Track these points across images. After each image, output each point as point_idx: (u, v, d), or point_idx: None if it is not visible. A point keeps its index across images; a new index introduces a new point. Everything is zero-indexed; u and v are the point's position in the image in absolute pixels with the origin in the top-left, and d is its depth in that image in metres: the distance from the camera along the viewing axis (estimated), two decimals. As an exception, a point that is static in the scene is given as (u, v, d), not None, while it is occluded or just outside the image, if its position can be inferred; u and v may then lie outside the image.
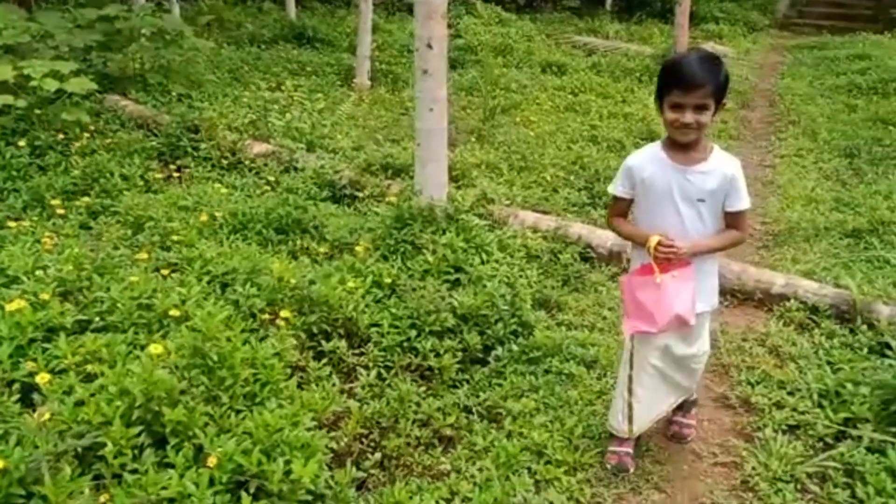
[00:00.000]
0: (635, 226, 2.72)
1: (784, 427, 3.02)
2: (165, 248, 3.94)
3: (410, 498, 2.62)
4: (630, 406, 2.79)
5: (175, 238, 4.04)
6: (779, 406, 3.15)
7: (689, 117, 2.36)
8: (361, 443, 2.97)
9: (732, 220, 2.57)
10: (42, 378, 2.51)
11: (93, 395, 2.54)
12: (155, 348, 2.62)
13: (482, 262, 4.14)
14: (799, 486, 2.70)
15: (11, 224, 4.11)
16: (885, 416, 2.92)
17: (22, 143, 5.21)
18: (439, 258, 4.03)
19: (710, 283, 2.68)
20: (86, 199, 4.73)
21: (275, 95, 7.28)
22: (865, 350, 3.58)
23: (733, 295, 4.32)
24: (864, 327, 3.79)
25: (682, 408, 3.05)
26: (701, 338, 2.77)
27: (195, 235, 4.13)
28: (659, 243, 2.47)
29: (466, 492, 2.67)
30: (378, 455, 2.88)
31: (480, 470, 2.79)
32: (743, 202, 2.52)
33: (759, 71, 12.35)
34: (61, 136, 5.44)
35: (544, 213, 5.19)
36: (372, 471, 2.81)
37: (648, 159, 2.56)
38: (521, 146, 6.67)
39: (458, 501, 2.63)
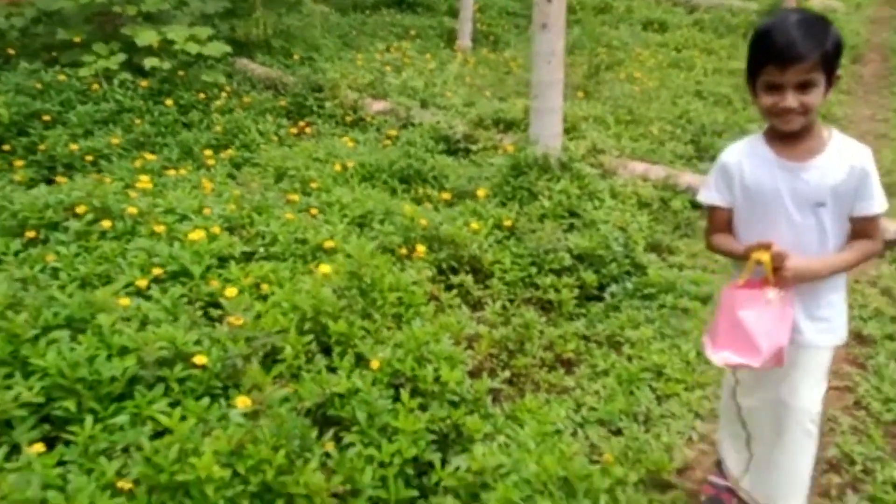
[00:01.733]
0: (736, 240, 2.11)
1: (897, 357, 3.17)
2: (306, 194, 4.35)
3: (540, 408, 2.92)
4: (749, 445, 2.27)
5: (314, 185, 4.45)
6: (891, 338, 3.29)
7: (790, 100, 1.81)
8: (492, 362, 3.29)
9: (862, 226, 1.94)
10: (230, 292, 2.93)
11: (268, 310, 2.96)
12: (324, 268, 3.01)
13: (595, 208, 4.38)
14: (912, 407, 2.86)
15: (170, 172, 4.62)
16: None
17: (168, 102, 5.74)
18: (555, 203, 4.29)
19: (841, 318, 2.08)
20: (228, 152, 5.22)
21: (387, 57, 7.64)
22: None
23: (845, 241, 4.38)
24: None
25: None
26: (816, 386, 2.11)
27: (331, 183, 4.53)
28: (774, 255, 1.89)
29: (592, 403, 2.97)
30: (508, 373, 3.20)
31: (604, 386, 3.07)
32: (877, 203, 1.90)
33: (872, 26, 11.85)
34: (202, 95, 5.96)
35: (653, 163, 5.34)
36: (503, 385, 3.13)
37: (747, 156, 2.01)
38: (627, 101, 6.80)
39: (584, 411, 2.92)
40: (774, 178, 1.94)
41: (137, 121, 5.45)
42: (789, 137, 1.92)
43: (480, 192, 4.39)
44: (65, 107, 5.52)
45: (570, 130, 5.68)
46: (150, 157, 4.84)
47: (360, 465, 2.35)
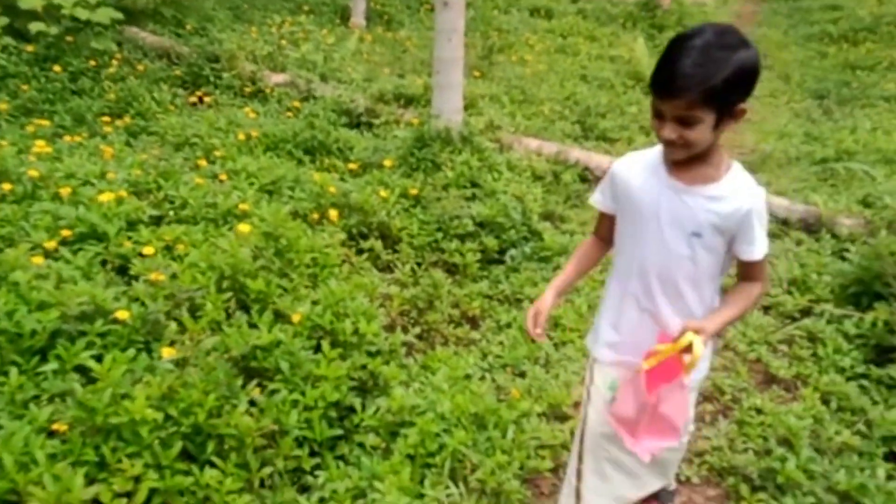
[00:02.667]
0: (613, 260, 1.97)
1: (759, 307, 3.60)
2: (211, 162, 4.36)
3: (450, 358, 3.15)
4: (578, 494, 2.11)
5: (218, 154, 4.46)
6: (754, 291, 3.73)
7: (668, 132, 1.66)
8: (404, 319, 3.48)
9: (747, 269, 1.83)
10: (147, 251, 2.97)
11: (184, 270, 3.01)
12: (243, 227, 3.09)
13: (494, 180, 4.64)
14: (770, 348, 3.29)
15: (67, 138, 4.49)
16: (844, 296, 3.51)
17: (56, 68, 5.52)
18: (457, 174, 4.52)
19: (706, 356, 1.97)
20: (124, 120, 5.10)
21: (283, 31, 7.62)
22: (829, 253, 4.15)
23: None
24: (828, 236, 4.36)
25: (658, 498, 2.38)
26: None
27: (235, 152, 4.56)
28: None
29: (497, 352, 3.22)
30: (418, 329, 3.40)
31: (507, 338, 3.33)
32: (758, 250, 1.76)
33: (737, 20, 12.82)
34: (92, 63, 5.76)
35: (545, 140, 5.67)
36: (415, 340, 3.33)
37: (641, 166, 1.85)
38: (519, 82, 7.13)
39: (490, 358, 3.17)
40: (658, 196, 1.79)
41: (24, 86, 5.23)
42: (682, 160, 1.75)
43: (387, 163, 4.55)
44: (-58, 70, 5.22)
45: (469, 107, 5.92)
46: (43, 122, 4.67)
47: (286, 409, 2.49)
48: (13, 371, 2.30)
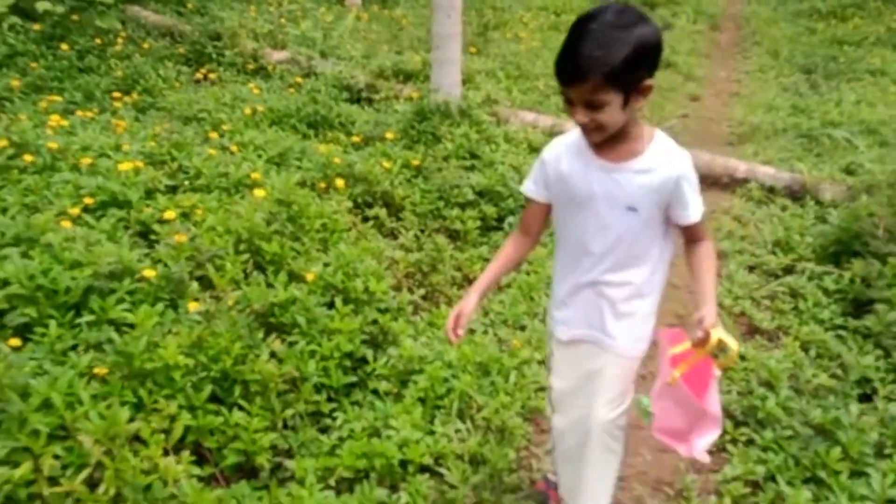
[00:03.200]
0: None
1: (745, 267, 3.81)
2: (220, 136, 4.52)
3: (454, 315, 3.34)
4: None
5: (225, 128, 4.62)
6: (740, 252, 3.94)
7: (580, 116, 1.68)
8: (409, 281, 3.67)
9: (689, 232, 1.87)
10: (169, 215, 3.14)
11: (203, 234, 3.19)
12: (259, 192, 3.27)
13: (492, 151, 4.82)
14: (754, 303, 3.50)
15: (79, 114, 4.64)
16: (824, 255, 3.73)
17: (64, 46, 5.66)
18: (457, 146, 4.69)
19: (647, 326, 1.95)
20: (130, 97, 5.25)
21: (282, 9, 7.75)
22: (812, 217, 4.35)
23: (702, 180, 5.05)
24: (812, 202, 4.56)
25: None
26: (621, 400, 1.97)
27: (242, 126, 4.72)
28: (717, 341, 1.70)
29: (498, 309, 3.42)
30: (423, 290, 3.59)
31: (508, 296, 3.53)
32: (692, 213, 1.81)
33: (727, -2, 12.99)
34: (98, 41, 5.90)
35: (541, 113, 5.84)
36: (420, 300, 3.52)
37: (569, 150, 1.86)
38: (514, 58, 7.29)
39: (492, 315, 3.37)
40: (590, 178, 1.81)
41: (33, 64, 5.37)
42: (601, 141, 1.76)
43: (388, 136, 4.72)
44: (-49, 49, 5.35)
45: (466, 82, 6.08)
46: (54, 98, 4.82)
47: (304, 358, 2.68)
48: (52, 323, 2.47)
